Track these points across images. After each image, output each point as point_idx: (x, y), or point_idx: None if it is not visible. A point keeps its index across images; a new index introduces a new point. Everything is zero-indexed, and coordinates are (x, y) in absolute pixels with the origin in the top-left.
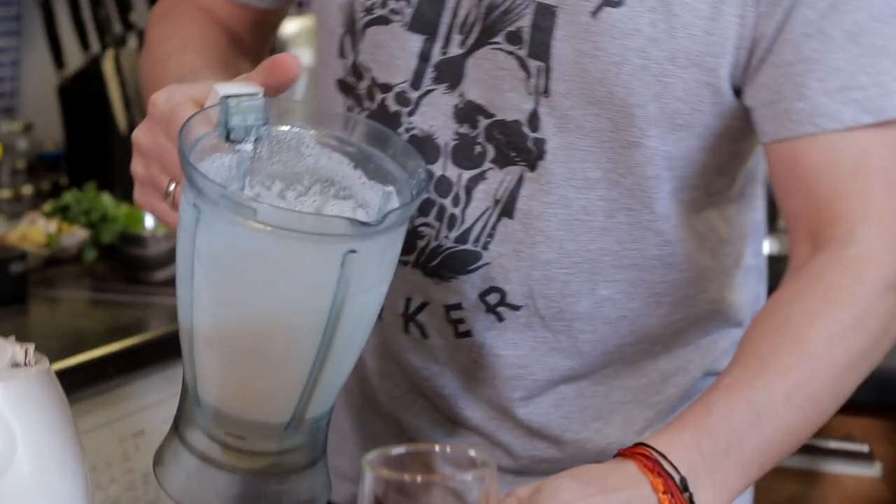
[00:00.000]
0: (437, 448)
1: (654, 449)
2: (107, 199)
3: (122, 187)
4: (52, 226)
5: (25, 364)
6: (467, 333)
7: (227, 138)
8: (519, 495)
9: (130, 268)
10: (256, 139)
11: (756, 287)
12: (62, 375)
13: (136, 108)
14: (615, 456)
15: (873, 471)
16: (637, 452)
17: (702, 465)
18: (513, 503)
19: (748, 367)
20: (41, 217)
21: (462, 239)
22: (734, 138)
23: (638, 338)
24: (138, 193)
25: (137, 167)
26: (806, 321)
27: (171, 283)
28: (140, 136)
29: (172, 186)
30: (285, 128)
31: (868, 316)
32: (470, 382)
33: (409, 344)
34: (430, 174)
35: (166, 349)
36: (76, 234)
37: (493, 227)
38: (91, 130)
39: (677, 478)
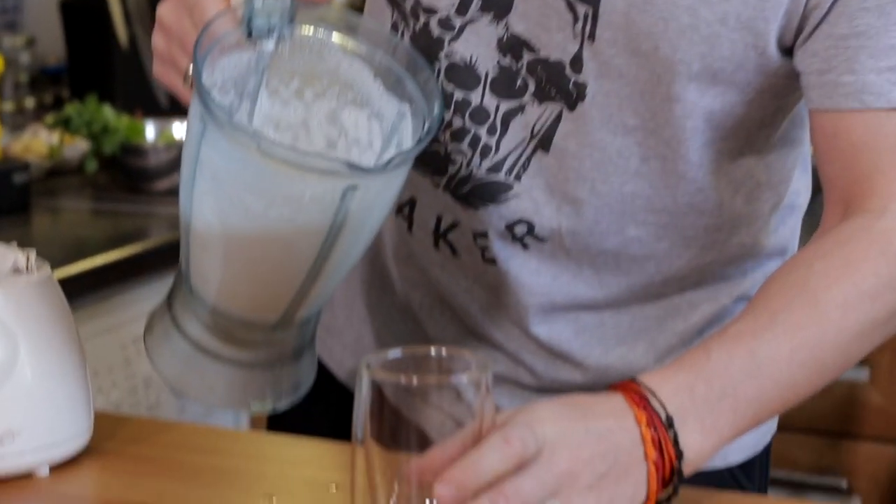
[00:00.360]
0: (434, 351)
1: (644, 385)
2: (108, 111)
3: (123, 99)
4: (55, 137)
5: (27, 270)
6: (493, 260)
7: (249, 35)
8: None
9: (131, 178)
10: (279, 39)
11: (795, 225)
12: (64, 283)
13: (137, 22)
14: (607, 389)
15: None
16: (627, 387)
17: (692, 408)
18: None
19: (756, 319)
20: (43, 129)
21: (495, 169)
22: (778, 94)
23: (665, 277)
24: (157, 67)
25: (158, 41)
26: (823, 284)
27: (171, 192)
28: (164, 12)
29: (191, 70)
30: (309, 31)
31: (887, 290)
32: (494, 302)
33: (438, 259)
34: (442, 120)
35: (166, 257)
36: (78, 146)
37: (528, 160)
38: (92, 44)
39: (663, 415)
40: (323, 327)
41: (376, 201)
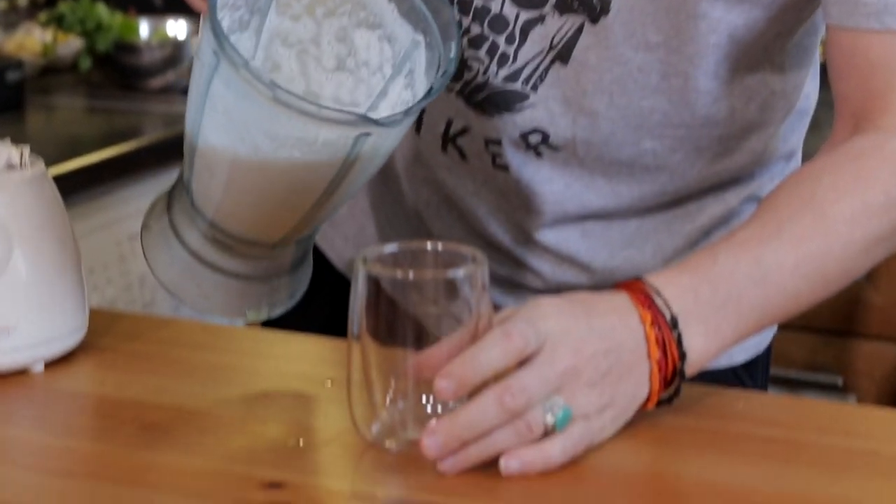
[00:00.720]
0: (429, 245)
1: (649, 284)
2: (101, 9)
3: None
4: (48, 35)
5: (21, 166)
6: (504, 167)
7: None
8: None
9: (125, 76)
10: None
11: (803, 128)
12: (58, 181)
13: None
14: (612, 289)
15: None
16: (632, 286)
17: (696, 310)
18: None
19: (764, 227)
20: (37, 26)
21: (512, 78)
22: (801, 9)
23: (676, 187)
24: None
25: None
26: (832, 197)
27: (165, 90)
28: None
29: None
30: None
31: (894, 208)
32: (502, 207)
33: (445, 162)
34: (457, 66)
35: (161, 155)
36: (71, 44)
37: (545, 71)
38: None
39: (668, 314)
40: None
41: (387, 142)
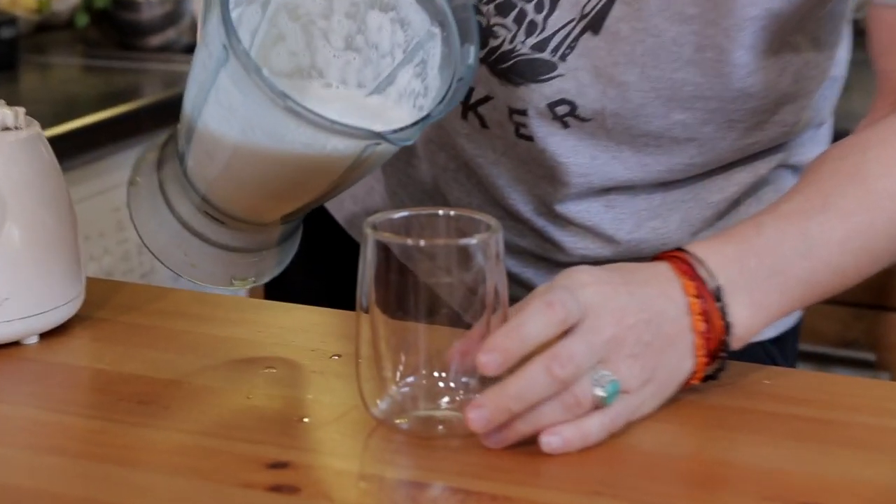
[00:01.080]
0: (441, 211)
1: (691, 254)
2: None
3: None
4: None
5: (15, 127)
6: (528, 137)
7: None
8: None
9: (124, 33)
10: None
11: (835, 96)
12: (54, 143)
13: None
14: (651, 259)
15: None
16: (673, 255)
17: (742, 281)
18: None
19: (809, 200)
20: None
21: (539, 47)
22: None
23: (706, 159)
24: None
25: None
26: (877, 171)
27: (165, 49)
28: None
29: None
30: None
31: None
32: (523, 177)
33: (465, 130)
34: (473, 72)
35: (160, 116)
36: None
37: (575, 41)
38: None
39: (712, 285)
40: None
41: (396, 146)
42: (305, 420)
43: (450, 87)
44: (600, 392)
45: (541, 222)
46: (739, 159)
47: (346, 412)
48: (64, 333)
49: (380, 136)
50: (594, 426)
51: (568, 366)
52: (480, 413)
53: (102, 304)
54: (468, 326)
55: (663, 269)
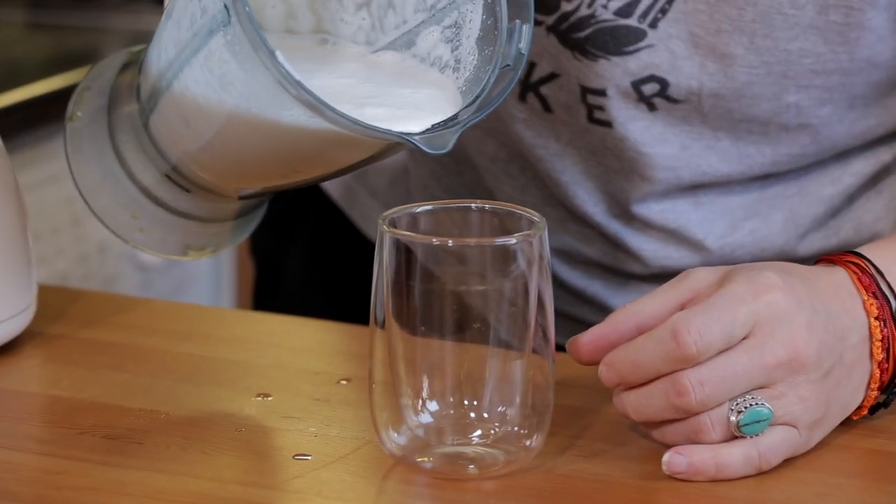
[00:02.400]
0: (474, 205)
1: (870, 262)
2: None
3: None
4: None
5: None
6: (605, 123)
7: None
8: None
9: None
10: None
11: None
12: None
13: None
14: (817, 262)
15: None
16: (848, 261)
17: None
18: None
19: None
20: None
21: (625, 12)
22: None
23: (819, 148)
24: None
25: None
26: None
27: (128, 2)
28: None
29: None
30: None
31: None
32: (594, 171)
33: (523, 115)
34: (524, 60)
35: None
36: None
37: (669, 3)
38: None
39: (894, 305)
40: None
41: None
42: (307, 458)
43: (491, 72)
44: (734, 418)
45: (614, 226)
46: (858, 145)
47: (357, 448)
48: (12, 353)
49: (406, 138)
50: (735, 457)
51: (693, 394)
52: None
53: (57, 316)
54: (505, 345)
55: (841, 278)
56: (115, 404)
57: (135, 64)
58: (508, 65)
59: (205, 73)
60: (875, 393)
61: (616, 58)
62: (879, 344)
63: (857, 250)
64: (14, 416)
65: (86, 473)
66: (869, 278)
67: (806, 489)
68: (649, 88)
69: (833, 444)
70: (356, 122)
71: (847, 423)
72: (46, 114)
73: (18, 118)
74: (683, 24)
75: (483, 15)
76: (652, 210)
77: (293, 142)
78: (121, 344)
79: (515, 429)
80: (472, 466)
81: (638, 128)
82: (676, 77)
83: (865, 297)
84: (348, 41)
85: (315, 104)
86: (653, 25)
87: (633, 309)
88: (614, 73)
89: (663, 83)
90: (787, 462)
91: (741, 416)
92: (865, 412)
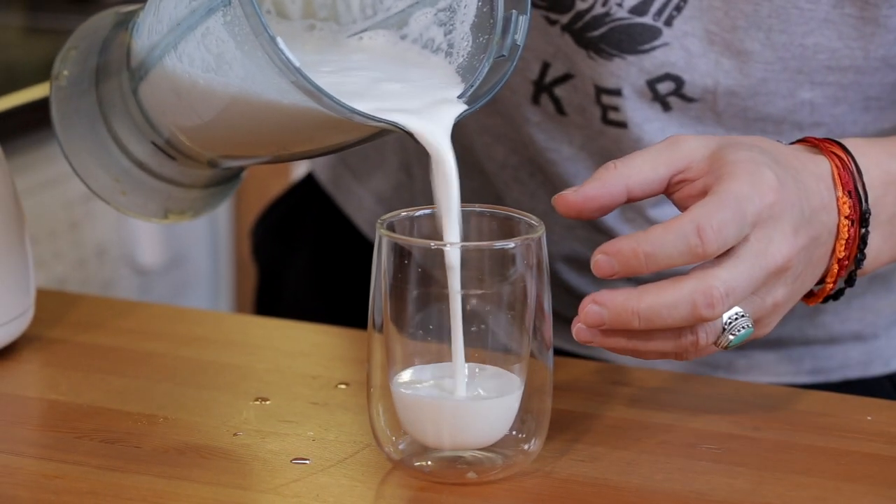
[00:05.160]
0: (475, 208)
1: (853, 159)
2: None
3: None
4: None
5: None
6: (620, 124)
7: None
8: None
9: None
10: None
11: None
12: None
13: None
14: (798, 142)
15: None
16: (833, 152)
17: (886, 204)
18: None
19: None
20: None
21: (640, 10)
22: None
23: None
24: None
25: None
26: None
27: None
28: None
29: None
30: None
31: None
32: None
33: (536, 118)
34: (520, 52)
35: None
36: None
37: (684, 0)
38: None
39: (863, 206)
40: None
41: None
42: (306, 462)
43: (486, 60)
44: (729, 338)
45: (626, 231)
46: None
47: (355, 452)
48: (9, 357)
49: (402, 128)
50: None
51: (720, 306)
52: (598, 303)
53: (55, 320)
54: (504, 348)
55: (824, 171)
56: (114, 408)
57: (123, 26)
58: (504, 55)
59: (201, 50)
60: (831, 286)
61: (631, 56)
62: (843, 242)
63: (844, 143)
64: (12, 420)
65: (84, 477)
66: (848, 175)
67: (803, 493)
68: (664, 87)
69: (831, 449)
70: (353, 111)
71: (845, 428)
72: (44, 118)
73: (16, 122)
74: (699, 21)
75: (479, 1)
76: (669, 215)
77: (288, 123)
78: (119, 348)
79: (513, 433)
80: (470, 471)
81: (653, 128)
82: (692, 75)
83: (840, 194)
84: (339, 23)
85: (315, 92)
86: (668, 23)
87: (624, 171)
88: (629, 72)
89: (679, 81)
90: (785, 466)
91: (732, 339)
92: (819, 301)
